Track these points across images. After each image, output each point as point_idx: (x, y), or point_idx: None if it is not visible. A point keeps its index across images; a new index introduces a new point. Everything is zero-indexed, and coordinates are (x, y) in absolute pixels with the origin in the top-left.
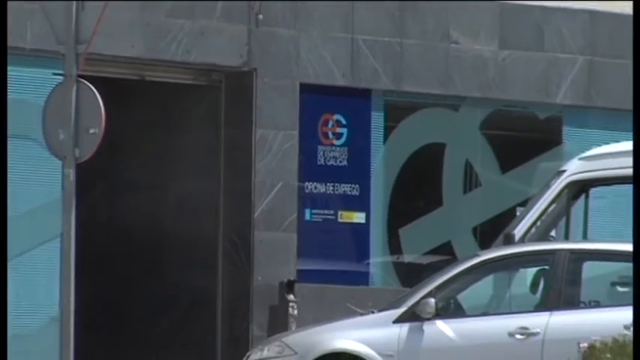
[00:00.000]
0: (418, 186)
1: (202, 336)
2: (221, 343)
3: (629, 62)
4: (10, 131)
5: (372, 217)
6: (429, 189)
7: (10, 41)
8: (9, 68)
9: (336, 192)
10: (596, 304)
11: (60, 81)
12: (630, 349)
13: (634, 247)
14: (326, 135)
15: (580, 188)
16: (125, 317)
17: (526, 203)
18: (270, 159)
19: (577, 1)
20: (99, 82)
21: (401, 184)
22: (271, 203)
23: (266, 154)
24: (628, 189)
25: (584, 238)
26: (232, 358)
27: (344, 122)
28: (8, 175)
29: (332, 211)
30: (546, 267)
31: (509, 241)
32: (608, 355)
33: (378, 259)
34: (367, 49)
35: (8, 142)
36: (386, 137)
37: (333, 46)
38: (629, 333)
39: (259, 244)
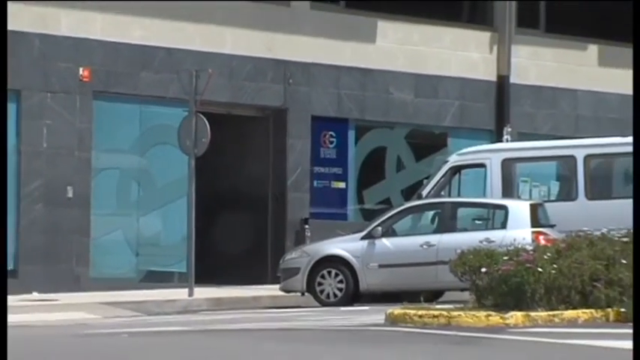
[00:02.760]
0: (373, 169)
1: (261, 246)
2: (270, 250)
3: (484, 105)
4: (162, 139)
5: (349, 185)
6: (378, 170)
7: (161, 92)
8: (166, 109)
9: (330, 172)
10: (465, 230)
11: (187, 114)
12: (484, 253)
13: (634, 244)
14: (325, 142)
15: (456, 170)
16: (219, 235)
17: (428, 178)
18: (295, 155)
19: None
20: (206, 114)
21: (364, 167)
22: (296, 178)
23: (293, 152)
24: (481, 170)
25: (458, 195)
26: (275, 258)
27: (334, 135)
28: (161, 164)
29: (328, 182)
30: (439, 210)
31: (419, 197)
32: (471, 256)
33: (351, 207)
34: (346, 97)
35: (161, 148)
36: (356, 143)
37: (328, 96)
38: (483, 244)
39: (290, 199)
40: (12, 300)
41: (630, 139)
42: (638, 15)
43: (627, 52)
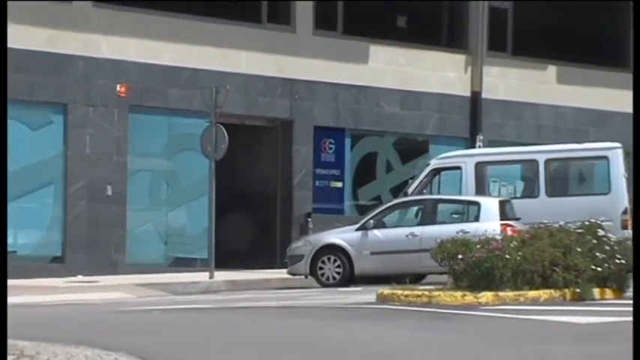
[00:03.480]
0: (366, 171)
1: (270, 236)
2: (278, 239)
3: (460, 116)
4: (187, 146)
5: (345, 184)
6: (370, 172)
7: (186, 106)
8: (190, 120)
9: (329, 173)
10: (444, 222)
11: (208, 124)
12: (460, 242)
13: (634, 240)
14: (325, 148)
15: (436, 172)
16: (235, 227)
17: (412, 178)
18: (300, 159)
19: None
20: (224, 125)
21: (358, 169)
22: (300, 179)
23: (298, 157)
24: (457, 172)
25: (438, 193)
26: (283, 246)
27: (333, 142)
28: (186, 166)
29: (327, 182)
30: (422, 206)
31: (405, 195)
32: (449, 245)
33: (347, 203)
34: (343, 110)
35: (186, 153)
36: (351, 148)
37: (328, 109)
38: (459, 235)
39: (295, 196)
40: (59, 282)
41: (583, 145)
42: (638, 16)
43: (582, 72)
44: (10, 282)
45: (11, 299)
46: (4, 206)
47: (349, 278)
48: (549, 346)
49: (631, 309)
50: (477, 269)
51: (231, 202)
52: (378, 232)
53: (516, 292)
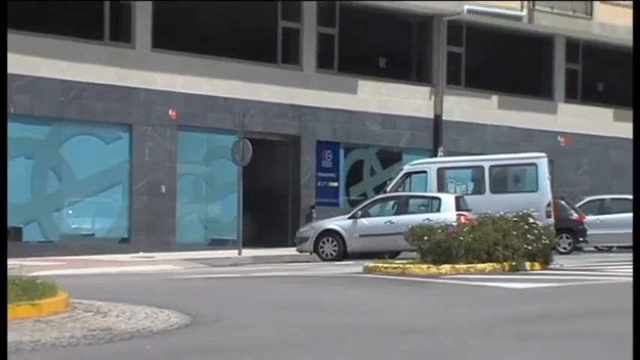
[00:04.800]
0: (355, 174)
1: (284, 223)
2: (290, 225)
3: (426, 133)
4: (221, 155)
5: (340, 184)
6: (358, 175)
7: (220, 126)
8: (223, 136)
9: (328, 176)
10: (413, 213)
11: (237, 139)
12: (426, 227)
13: (634, 239)
14: (325, 157)
15: (408, 175)
16: (257, 216)
17: (390, 180)
18: (306, 166)
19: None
20: (249, 139)
21: (350, 173)
22: (306, 180)
23: (304, 164)
24: (424, 175)
25: (409, 191)
26: (293, 230)
27: (331, 153)
28: (220, 171)
29: (326, 182)
30: (397, 200)
31: (384, 192)
32: (417, 230)
33: (342, 198)
34: (338, 129)
35: (221, 161)
36: (345, 157)
37: (327, 128)
38: (425, 222)
39: (302, 193)
40: (126, 257)
41: (518, 155)
42: (638, 16)
43: (516, 100)
44: (89, 257)
45: (89, 270)
46: (4, 206)
47: (343, 254)
48: (493, 305)
49: (554, 277)
50: (438, 248)
51: (254, 197)
52: (364, 220)
53: (468, 265)
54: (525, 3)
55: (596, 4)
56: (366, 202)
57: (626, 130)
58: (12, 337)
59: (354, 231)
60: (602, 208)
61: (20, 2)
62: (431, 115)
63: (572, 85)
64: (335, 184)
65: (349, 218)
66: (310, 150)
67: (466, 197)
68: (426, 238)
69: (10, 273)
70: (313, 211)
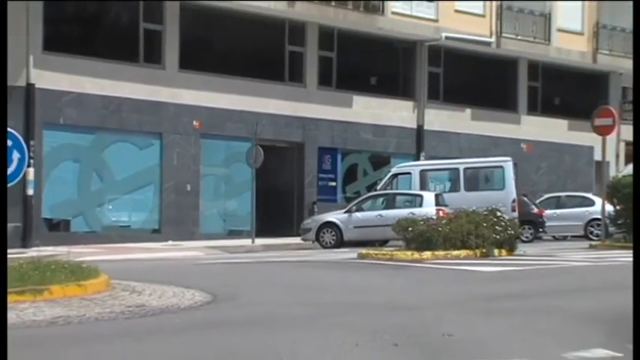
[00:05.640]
0: (351, 175)
1: (290, 216)
2: (295, 218)
3: (410, 140)
4: (238, 159)
5: (337, 184)
6: (353, 176)
7: (237, 134)
8: (239, 143)
9: (327, 177)
10: (400, 208)
11: (250, 145)
12: (410, 220)
13: (634, 239)
14: (325, 160)
15: (395, 176)
16: (268, 210)
17: (380, 180)
18: (308, 168)
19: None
20: (261, 146)
21: (346, 174)
22: (309, 180)
23: (307, 166)
24: (408, 176)
25: (396, 189)
26: (298, 222)
27: (330, 157)
28: (237, 172)
29: (326, 182)
30: (386, 197)
31: (375, 191)
32: (403, 222)
33: (339, 195)
34: (336, 137)
35: (237, 164)
36: (342, 161)
37: (327, 136)
38: (409, 216)
39: (306, 192)
40: (157, 245)
41: (488, 159)
42: (638, 16)
43: (486, 113)
44: (125, 245)
45: (126, 256)
46: (4, 206)
47: (340, 243)
48: (467, 285)
49: (518, 262)
50: (420, 237)
51: (264, 194)
52: (358, 214)
53: (446, 252)
54: (493, 30)
55: (554, 31)
56: (359, 199)
57: (578, 138)
58: (62, 312)
59: (349, 223)
60: (558, 203)
61: (68, 30)
62: (414, 125)
63: (533, 99)
64: (333, 183)
65: (345, 212)
66: (312, 155)
67: (444, 194)
68: (410, 229)
69: (59, 259)
70: (315, 206)
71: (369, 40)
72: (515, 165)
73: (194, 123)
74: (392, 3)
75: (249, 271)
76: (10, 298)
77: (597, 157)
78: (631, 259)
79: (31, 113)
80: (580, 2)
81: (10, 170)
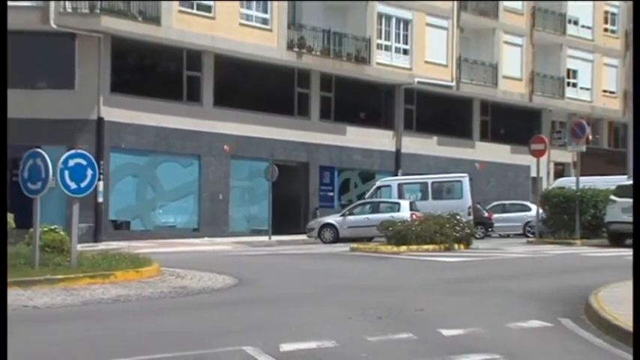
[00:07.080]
0: (345, 187)
1: (298, 219)
2: (302, 220)
3: (391, 161)
4: (258, 175)
5: (335, 194)
6: (347, 188)
7: (257, 155)
8: (260, 163)
9: (327, 189)
10: (383, 212)
11: (268, 164)
12: (391, 222)
13: (634, 240)
14: (325, 176)
15: (378, 188)
16: (281, 214)
17: (367, 191)
18: (312, 182)
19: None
20: (276, 165)
21: (341, 187)
22: (313, 191)
23: (311, 181)
24: (389, 188)
25: (379, 198)
26: (305, 223)
27: (329, 174)
28: (257, 184)
29: (326, 192)
30: (372, 205)
31: (364, 199)
32: (385, 223)
33: (336, 203)
34: (334, 158)
35: (258, 179)
36: (338, 176)
37: (327, 158)
38: (390, 219)
39: (310, 200)
40: (196, 241)
41: (449, 175)
42: (638, 17)
43: (449, 140)
44: (172, 240)
45: (173, 249)
46: (4, 207)
47: (337, 239)
48: (434, 272)
49: (473, 254)
50: (398, 235)
51: (279, 202)
52: (351, 217)
53: (418, 246)
54: (454, 76)
55: (500, 78)
56: (351, 206)
57: (518, 159)
58: (123, 292)
59: (344, 224)
60: (503, 209)
61: (129, 76)
62: (394, 149)
63: (484, 130)
64: (331, 193)
65: (341, 216)
66: (315, 172)
67: (417, 202)
68: (390, 228)
69: (121, 251)
70: (317, 211)
71: (359, 84)
72: (470, 180)
73: (225, 147)
74: (376, 55)
75: (267, 261)
76: (85, 280)
77: (533, 173)
78: (556, 252)
79: (101, 140)
80: (519, 55)
81: (84, 184)
